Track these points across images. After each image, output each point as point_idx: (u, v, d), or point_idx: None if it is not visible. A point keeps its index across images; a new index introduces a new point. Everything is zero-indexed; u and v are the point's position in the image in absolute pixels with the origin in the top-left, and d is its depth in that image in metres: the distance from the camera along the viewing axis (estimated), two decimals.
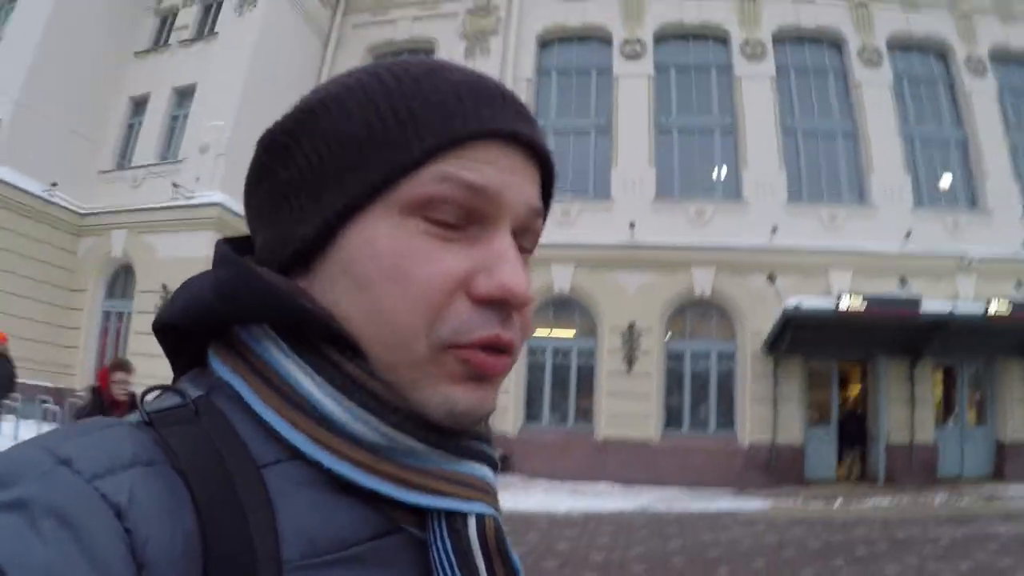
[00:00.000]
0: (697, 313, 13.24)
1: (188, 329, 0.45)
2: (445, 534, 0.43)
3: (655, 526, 8.96)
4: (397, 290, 0.41)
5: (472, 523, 0.43)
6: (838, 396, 13.37)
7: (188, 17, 14.98)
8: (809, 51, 14.68)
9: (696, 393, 13.08)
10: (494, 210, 0.43)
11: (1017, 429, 12.85)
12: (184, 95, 14.49)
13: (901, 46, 14.72)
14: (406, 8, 15.52)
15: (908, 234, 12.90)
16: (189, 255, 12.92)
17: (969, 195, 14.11)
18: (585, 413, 12.84)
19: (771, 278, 12.55)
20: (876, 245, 13.01)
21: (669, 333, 13.23)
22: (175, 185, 13.26)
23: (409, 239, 0.42)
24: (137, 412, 0.40)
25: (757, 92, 14.02)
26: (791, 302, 11.21)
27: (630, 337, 12.70)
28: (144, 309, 13.18)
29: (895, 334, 12.17)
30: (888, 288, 12.44)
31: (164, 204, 13.41)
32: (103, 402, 4.51)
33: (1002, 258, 13.24)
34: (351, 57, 15.49)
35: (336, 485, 0.41)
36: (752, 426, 12.45)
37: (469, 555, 0.43)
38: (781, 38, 14.57)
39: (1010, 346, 12.77)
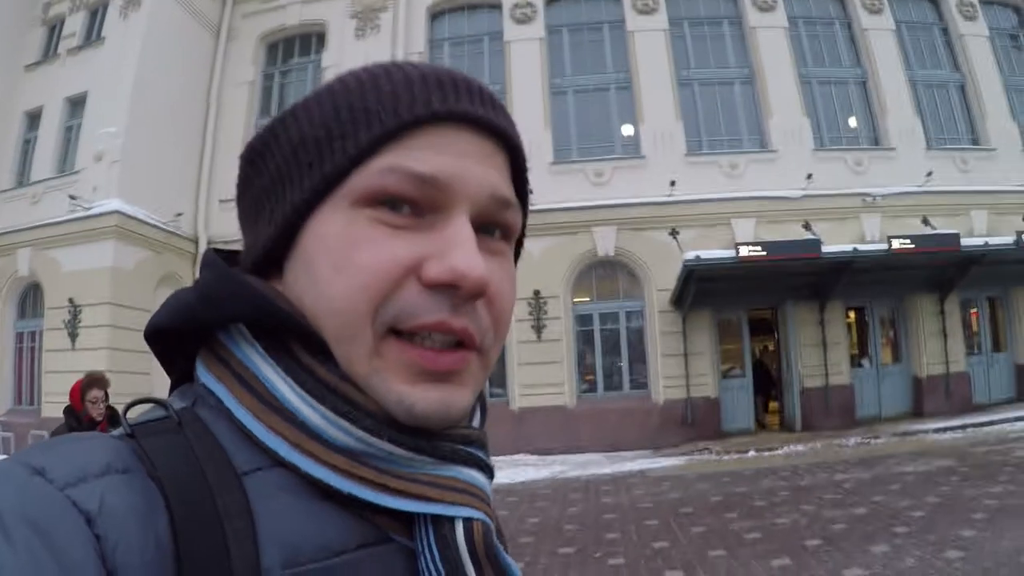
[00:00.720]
0: (603, 274, 13.16)
1: (177, 335, 0.45)
2: (432, 541, 0.42)
3: (560, 493, 8.93)
4: (342, 278, 0.40)
5: (460, 528, 0.42)
6: (751, 346, 13.36)
7: (75, 24, 14.67)
8: (702, 0, 14.50)
9: (608, 354, 13.03)
10: (447, 198, 0.42)
11: (932, 363, 12.87)
12: (76, 104, 14.23)
13: None
14: None
15: (809, 177, 12.82)
16: (93, 266, 12.84)
17: (871, 133, 14.02)
18: (499, 385, 12.78)
19: (674, 233, 12.47)
20: (778, 191, 12.93)
21: (576, 297, 13.17)
22: (71, 197, 13.09)
23: (358, 229, 0.41)
24: (120, 426, 0.41)
25: (651, 46, 13.84)
26: (690, 255, 11.13)
27: (536, 304, 12.63)
28: (54, 326, 13.08)
29: (800, 279, 12.14)
30: (793, 233, 12.36)
31: (64, 218, 13.25)
32: (80, 423, 4.21)
33: (907, 193, 13.21)
34: (244, 47, 15.28)
35: (321, 493, 0.40)
36: (665, 383, 12.42)
37: (458, 562, 0.41)
38: None
39: (918, 281, 12.77)
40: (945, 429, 11.22)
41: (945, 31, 14.79)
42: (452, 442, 0.44)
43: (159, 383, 12.60)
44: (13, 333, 14.07)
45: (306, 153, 0.43)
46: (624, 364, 12.95)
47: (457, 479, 0.43)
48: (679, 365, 12.34)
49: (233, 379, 0.42)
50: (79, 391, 4.29)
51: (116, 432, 0.41)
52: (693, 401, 12.29)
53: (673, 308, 12.49)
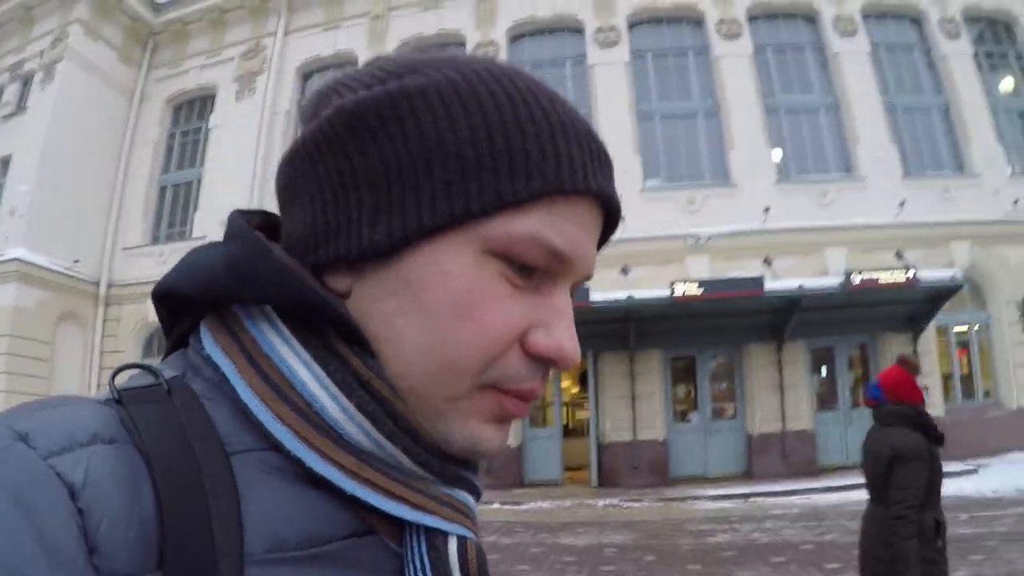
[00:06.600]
0: None
1: (188, 298, 0.43)
2: (424, 551, 0.41)
3: None
4: (465, 330, 0.39)
5: (453, 543, 0.42)
6: (561, 394, 12.78)
7: (11, 94, 16.87)
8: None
9: None
10: (563, 271, 0.42)
11: (766, 420, 11.75)
12: (6, 164, 16.34)
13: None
14: (196, 58, 16.65)
15: (622, 219, 12.22)
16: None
17: (720, 169, 13.20)
18: None
19: None
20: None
21: None
22: None
23: (485, 280, 0.40)
24: (107, 389, 0.39)
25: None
26: None
27: None
28: None
29: (599, 327, 11.51)
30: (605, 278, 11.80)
31: None
32: None
33: (743, 233, 12.27)
34: (154, 109, 16.84)
35: (311, 478, 0.38)
36: None
37: (447, 575, 0.41)
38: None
39: (754, 329, 11.78)
40: (727, 497, 10.19)
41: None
42: (456, 466, 0.43)
43: None
44: None
45: (444, 167, 0.39)
46: None
47: (454, 499, 0.43)
48: None
49: (242, 356, 0.40)
50: None
51: (102, 397, 0.38)
52: None
53: None
